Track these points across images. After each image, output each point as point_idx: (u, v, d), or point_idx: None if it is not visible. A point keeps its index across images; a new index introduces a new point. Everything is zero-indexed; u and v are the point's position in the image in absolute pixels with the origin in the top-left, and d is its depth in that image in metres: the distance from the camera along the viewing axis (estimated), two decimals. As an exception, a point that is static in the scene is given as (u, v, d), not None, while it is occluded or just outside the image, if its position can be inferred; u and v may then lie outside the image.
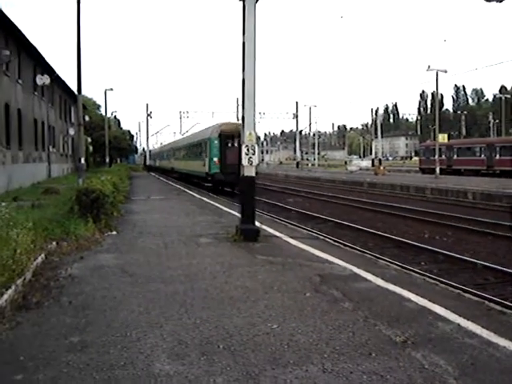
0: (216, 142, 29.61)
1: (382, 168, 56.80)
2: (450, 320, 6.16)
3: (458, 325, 5.98)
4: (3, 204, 9.59)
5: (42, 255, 9.46)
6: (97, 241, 11.89)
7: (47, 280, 8.09)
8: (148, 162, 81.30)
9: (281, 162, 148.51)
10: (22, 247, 7.85)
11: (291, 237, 12.77)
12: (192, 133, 51.71)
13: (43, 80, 33.21)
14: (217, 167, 29.36)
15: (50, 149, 39.59)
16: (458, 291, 8.09)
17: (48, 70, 36.32)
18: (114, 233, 13.24)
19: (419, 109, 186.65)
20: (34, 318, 6.29)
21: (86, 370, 4.76)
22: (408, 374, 4.67)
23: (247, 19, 12.11)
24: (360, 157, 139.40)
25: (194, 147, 36.71)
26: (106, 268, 9.15)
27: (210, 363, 4.89)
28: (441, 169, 46.69)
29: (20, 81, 30.13)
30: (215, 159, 29.54)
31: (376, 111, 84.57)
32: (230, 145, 29.40)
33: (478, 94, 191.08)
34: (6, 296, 6.53)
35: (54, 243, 10.89)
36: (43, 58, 34.63)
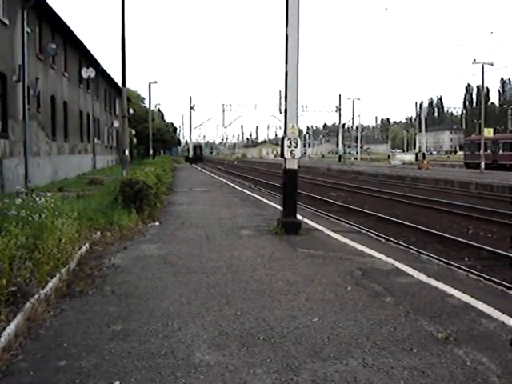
0: (191, 147, 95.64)
1: (425, 162, 56.09)
2: (493, 317, 6.04)
3: (502, 322, 5.86)
4: (49, 194, 9.73)
5: (87, 245, 9.63)
6: (140, 231, 12.06)
7: (91, 269, 8.23)
8: (187, 154, 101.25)
9: (323, 156, 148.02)
10: (67, 237, 7.96)
11: (333, 230, 12.71)
12: (192, 142, 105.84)
13: (88, 73, 33.71)
14: (193, 154, 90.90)
15: (95, 141, 40.24)
16: (502, 288, 7.93)
17: (93, 63, 36.83)
18: (157, 223, 13.39)
19: (464, 102, 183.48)
20: (78, 306, 6.41)
21: (127, 357, 4.83)
22: (449, 370, 4.60)
23: (290, 11, 12.03)
24: (403, 151, 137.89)
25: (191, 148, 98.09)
26: (148, 258, 9.26)
27: (250, 354, 4.91)
28: (486, 164, 45.86)
29: (66, 74, 30.62)
30: (192, 152, 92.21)
31: (420, 105, 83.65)
32: (196, 148, 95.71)
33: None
34: (50, 284, 6.66)
35: (98, 233, 11.07)
36: (88, 52, 35.11)
